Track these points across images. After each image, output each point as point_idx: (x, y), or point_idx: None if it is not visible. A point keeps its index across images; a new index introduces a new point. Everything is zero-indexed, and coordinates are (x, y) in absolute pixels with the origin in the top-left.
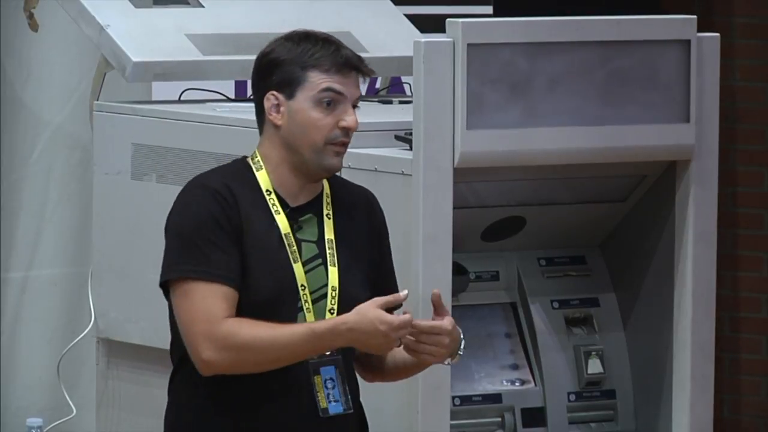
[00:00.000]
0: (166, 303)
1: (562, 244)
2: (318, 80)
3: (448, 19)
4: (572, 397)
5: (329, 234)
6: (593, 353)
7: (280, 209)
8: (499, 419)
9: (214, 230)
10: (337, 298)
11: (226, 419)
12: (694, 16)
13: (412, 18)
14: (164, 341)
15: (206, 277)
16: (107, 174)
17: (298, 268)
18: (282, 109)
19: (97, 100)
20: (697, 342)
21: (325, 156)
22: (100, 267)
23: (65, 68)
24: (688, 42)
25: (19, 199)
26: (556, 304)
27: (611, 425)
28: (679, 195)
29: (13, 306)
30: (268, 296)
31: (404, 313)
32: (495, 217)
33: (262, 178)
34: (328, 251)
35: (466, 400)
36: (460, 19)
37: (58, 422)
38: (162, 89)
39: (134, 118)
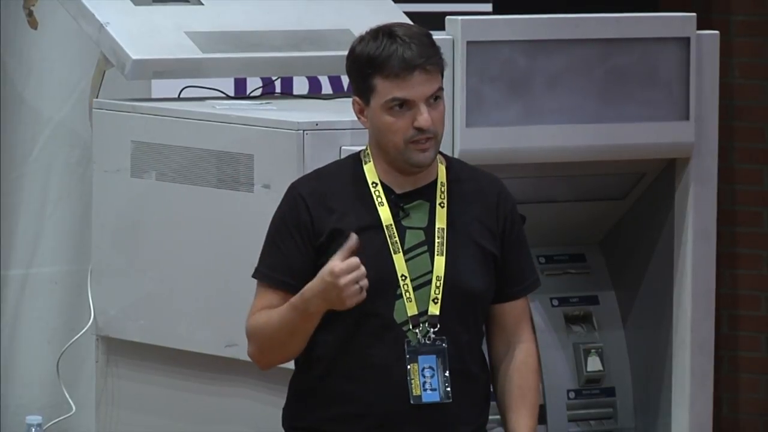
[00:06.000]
0: (164, 301)
1: (561, 242)
2: (383, 89)
3: (447, 17)
4: (572, 394)
5: (440, 223)
6: (593, 351)
7: (384, 200)
8: (499, 417)
9: (282, 234)
10: (441, 287)
11: (329, 406)
12: (694, 14)
13: (411, 15)
14: (163, 339)
15: (262, 279)
16: (107, 171)
17: (398, 259)
18: (365, 113)
19: (97, 97)
20: (696, 340)
21: (410, 154)
22: (100, 265)
23: (65, 66)
24: (687, 39)
25: (19, 197)
26: (555, 302)
27: (611, 423)
28: (679, 193)
29: (13, 304)
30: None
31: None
32: None
33: (369, 171)
34: (436, 239)
35: None
36: (460, 17)
37: (57, 420)
38: (161, 87)
39: (134, 116)
